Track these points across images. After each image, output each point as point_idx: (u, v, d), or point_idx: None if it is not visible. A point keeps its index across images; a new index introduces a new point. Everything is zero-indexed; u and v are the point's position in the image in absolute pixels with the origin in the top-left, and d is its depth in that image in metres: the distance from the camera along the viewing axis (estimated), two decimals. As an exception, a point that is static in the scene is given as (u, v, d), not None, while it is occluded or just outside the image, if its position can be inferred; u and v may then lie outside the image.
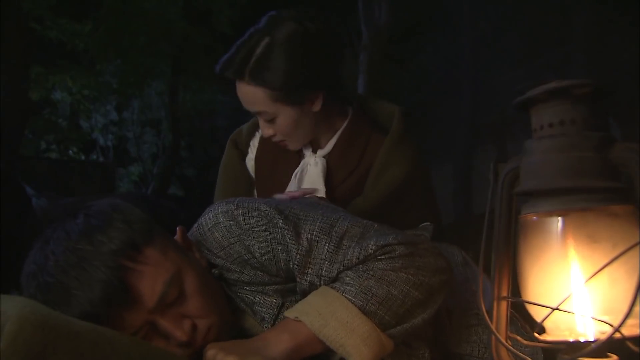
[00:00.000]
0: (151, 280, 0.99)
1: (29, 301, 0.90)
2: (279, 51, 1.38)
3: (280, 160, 1.61)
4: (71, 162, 10.48)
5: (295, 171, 1.56)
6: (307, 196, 1.37)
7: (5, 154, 5.26)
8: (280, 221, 1.09)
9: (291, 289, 1.14)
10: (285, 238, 1.08)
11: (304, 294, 1.10)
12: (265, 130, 1.47)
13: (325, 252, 1.06)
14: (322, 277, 1.06)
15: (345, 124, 1.54)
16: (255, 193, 1.66)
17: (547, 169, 0.74)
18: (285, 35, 1.39)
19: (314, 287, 1.08)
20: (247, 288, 1.16)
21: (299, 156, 1.58)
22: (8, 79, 5.25)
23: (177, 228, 1.16)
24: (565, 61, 5.64)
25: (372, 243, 1.03)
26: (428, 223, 1.40)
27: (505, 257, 0.80)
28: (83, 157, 11.10)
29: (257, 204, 1.13)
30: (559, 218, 0.73)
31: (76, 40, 7.72)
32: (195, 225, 1.19)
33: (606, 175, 0.73)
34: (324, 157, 1.55)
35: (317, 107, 1.46)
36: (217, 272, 1.16)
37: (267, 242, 1.09)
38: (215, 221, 1.14)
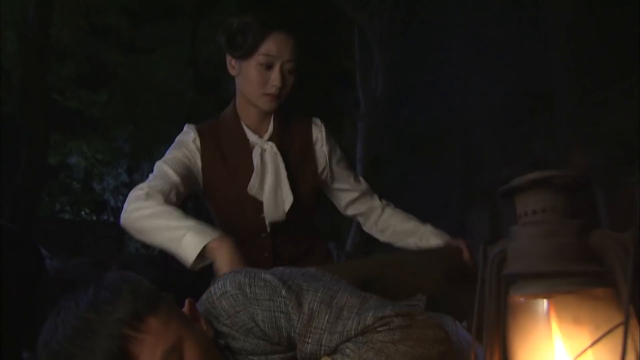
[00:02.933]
0: (151, 349, 0.99)
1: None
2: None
3: (228, 149, 1.71)
4: (83, 222, 10.49)
5: (254, 155, 1.67)
6: (309, 269, 1.38)
7: (23, 215, 5.28)
8: (284, 291, 1.10)
9: (292, 357, 1.14)
10: (288, 307, 1.09)
11: None
12: (279, 80, 1.61)
13: (325, 322, 1.07)
14: (323, 347, 1.07)
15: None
16: (202, 184, 1.71)
17: (531, 253, 0.76)
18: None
19: (314, 356, 1.08)
20: (251, 357, 1.16)
21: (245, 143, 1.69)
22: (29, 146, 5.34)
23: (186, 300, 1.17)
24: (552, 126, 5.74)
25: (370, 315, 1.04)
26: (422, 294, 1.41)
27: (495, 335, 0.81)
28: (94, 218, 11.12)
29: (263, 275, 1.15)
30: (545, 300, 0.75)
31: (93, 109, 7.90)
32: (205, 293, 1.21)
33: (587, 260, 0.75)
34: (269, 140, 1.70)
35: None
36: (223, 342, 1.16)
37: (270, 310, 1.10)
38: (223, 290, 1.15)
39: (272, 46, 1.60)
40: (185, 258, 1.44)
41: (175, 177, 1.62)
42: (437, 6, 7.55)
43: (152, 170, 1.68)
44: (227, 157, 1.69)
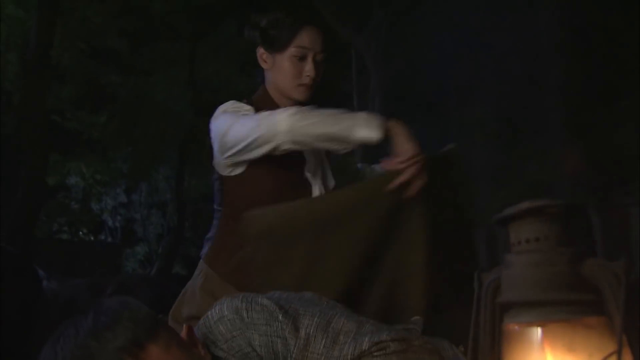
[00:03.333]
0: None
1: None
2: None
3: None
4: (81, 243, 10.46)
5: None
6: (306, 293, 1.38)
7: (21, 237, 5.27)
8: (281, 315, 1.10)
9: (289, 382, 1.14)
10: (285, 332, 1.09)
11: None
12: (313, 71, 1.64)
13: (322, 347, 1.07)
14: None
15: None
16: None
17: (525, 282, 0.77)
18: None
19: None
20: (247, 382, 1.16)
21: None
22: (28, 167, 5.34)
23: (184, 325, 1.17)
24: (544, 153, 5.77)
25: (366, 340, 1.04)
26: (418, 317, 1.41)
27: (491, 362, 0.81)
28: (92, 238, 11.08)
29: (260, 299, 1.15)
30: (539, 328, 0.75)
31: (92, 130, 7.92)
32: (203, 318, 1.20)
33: (580, 289, 0.76)
34: None
35: None
36: None
37: (267, 335, 1.10)
38: (221, 315, 1.15)
39: (305, 39, 1.65)
40: (369, 132, 1.48)
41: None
42: (432, 30, 7.63)
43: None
44: None
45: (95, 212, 10.92)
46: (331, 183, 1.70)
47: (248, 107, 1.66)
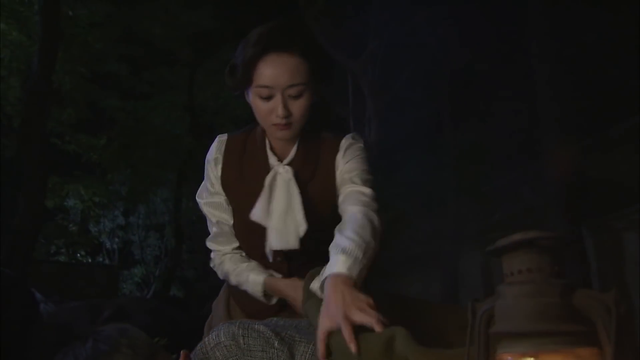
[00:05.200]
0: None
1: None
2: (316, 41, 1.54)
3: (248, 168, 1.58)
4: (78, 264, 10.41)
5: (267, 178, 1.52)
6: (302, 321, 1.38)
7: (20, 259, 5.24)
8: (276, 342, 1.11)
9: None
10: (280, 359, 1.09)
11: None
12: (284, 109, 1.43)
13: None
14: None
15: (302, 132, 1.55)
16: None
17: (518, 313, 0.78)
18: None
19: None
20: (243, 408, 1.15)
21: (265, 165, 1.55)
22: (28, 189, 5.34)
23: (181, 352, 1.17)
24: (537, 174, 5.80)
25: None
26: None
27: (485, 392, 0.81)
28: (90, 260, 11.03)
29: (256, 326, 1.15)
30: (531, 359, 0.76)
31: (91, 153, 7.94)
32: (199, 344, 1.21)
33: (572, 320, 0.76)
34: (289, 164, 1.53)
35: (316, 97, 1.53)
36: None
37: None
38: (217, 341, 1.16)
39: (265, 73, 1.42)
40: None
41: (224, 219, 1.63)
42: (426, 54, 7.72)
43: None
44: (245, 176, 1.57)
45: (93, 234, 10.89)
46: None
47: (213, 154, 1.60)
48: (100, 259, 11.19)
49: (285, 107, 1.42)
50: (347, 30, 7.49)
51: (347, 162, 1.53)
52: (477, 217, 7.90)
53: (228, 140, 1.61)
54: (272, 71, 1.41)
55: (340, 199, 1.50)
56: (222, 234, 1.61)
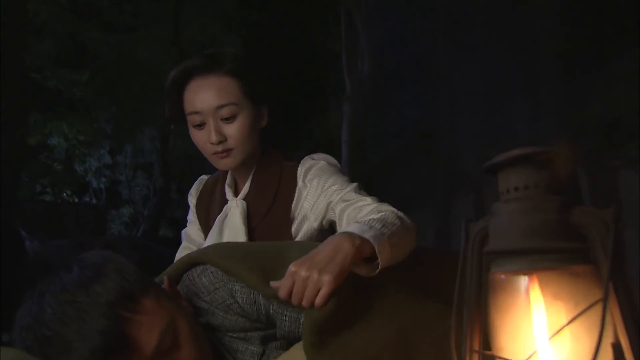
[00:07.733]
0: (148, 329, 0.99)
1: (21, 354, 0.89)
2: (248, 58, 1.44)
3: (212, 205, 1.58)
4: (65, 204, 10.41)
5: (219, 215, 1.51)
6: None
7: (3, 197, 5.22)
8: None
9: (272, 335, 1.15)
10: None
11: (284, 339, 1.12)
12: (216, 134, 1.38)
13: None
14: (300, 325, 1.08)
15: (257, 164, 1.51)
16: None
17: (513, 230, 0.76)
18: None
19: (292, 334, 1.10)
20: (230, 334, 1.17)
21: (223, 200, 1.54)
22: (7, 125, 5.26)
23: (165, 278, 1.16)
24: (534, 110, 5.78)
25: None
26: None
27: (476, 312, 0.81)
28: (76, 200, 11.03)
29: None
30: (525, 277, 0.75)
31: (74, 89, 7.78)
32: (186, 273, 1.20)
33: (568, 237, 0.75)
34: (243, 199, 1.49)
35: (264, 122, 1.46)
36: (203, 320, 1.16)
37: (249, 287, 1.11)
38: (204, 267, 1.16)
39: (192, 98, 1.38)
40: None
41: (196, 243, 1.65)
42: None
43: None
44: (210, 215, 1.57)
45: (79, 173, 10.84)
46: None
47: (192, 194, 1.65)
48: (87, 199, 11.19)
49: (218, 131, 1.37)
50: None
51: (319, 193, 1.41)
52: (471, 154, 7.90)
53: (207, 180, 1.65)
54: (198, 95, 1.37)
55: (343, 224, 1.36)
56: (187, 247, 1.67)
